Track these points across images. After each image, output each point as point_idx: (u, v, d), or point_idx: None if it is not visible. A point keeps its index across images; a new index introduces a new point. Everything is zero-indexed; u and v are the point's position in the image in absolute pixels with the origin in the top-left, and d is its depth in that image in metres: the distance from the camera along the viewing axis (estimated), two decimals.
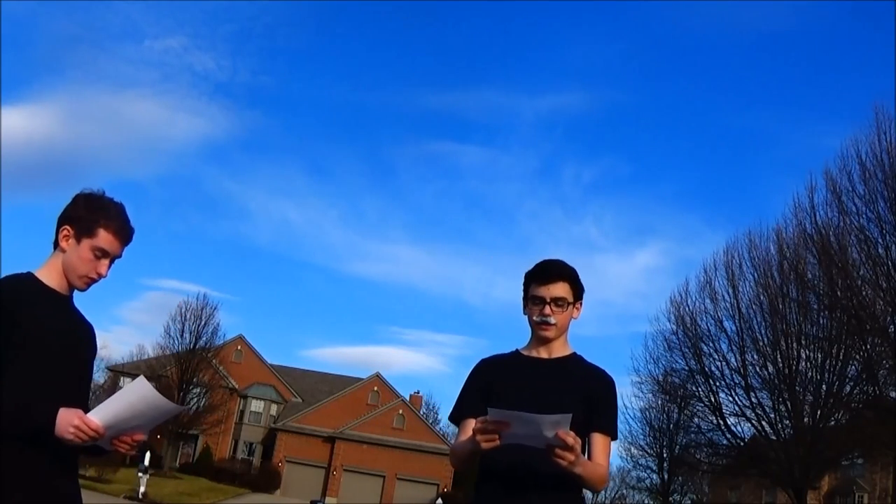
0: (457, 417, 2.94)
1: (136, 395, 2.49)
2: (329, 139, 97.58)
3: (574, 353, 2.97)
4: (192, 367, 50.62)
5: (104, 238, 2.67)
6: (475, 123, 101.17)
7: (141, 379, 2.51)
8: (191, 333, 51.58)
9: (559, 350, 2.94)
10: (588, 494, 2.84)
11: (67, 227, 2.68)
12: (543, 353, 2.92)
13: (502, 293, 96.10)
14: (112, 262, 2.74)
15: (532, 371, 2.81)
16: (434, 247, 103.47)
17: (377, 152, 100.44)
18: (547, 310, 2.86)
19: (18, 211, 79.96)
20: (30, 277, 2.66)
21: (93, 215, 2.67)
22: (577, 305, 2.95)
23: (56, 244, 2.72)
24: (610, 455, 2.88)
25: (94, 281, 2.72)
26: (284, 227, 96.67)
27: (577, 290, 2.94)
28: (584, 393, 2.79)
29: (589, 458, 2.78)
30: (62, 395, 2.51)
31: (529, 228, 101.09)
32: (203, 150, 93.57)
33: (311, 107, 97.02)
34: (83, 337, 2.75)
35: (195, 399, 50.73)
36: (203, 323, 52.16)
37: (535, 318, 2.90)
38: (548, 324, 2.86)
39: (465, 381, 3.00)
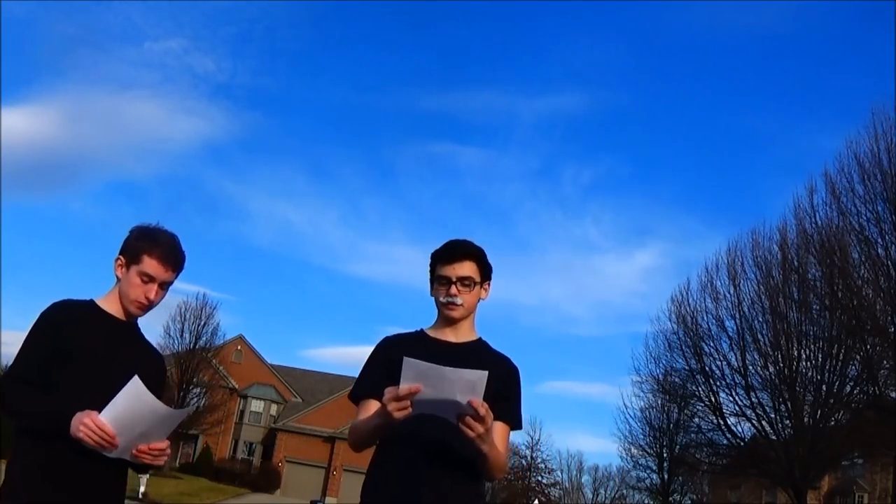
0: (358, 396, 2.85)
1: (133, 395, 2.53)
2: (329, 140, 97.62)
3: (480, 339, 2.94)
4: (192, 367, 50.58)
5: (149, 264, 2.81)
6: (474, 125, 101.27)
7: (135, 379, 2.54)
8: (191, 333, 51.61)
9: (465, 334, 2.90)
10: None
11: (120, 257, 2.86)
12: (450, 336, 2.87)
13: (501, 293, 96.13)
14: (163, 287, 2.86)
15: (438, 353, 2.68)
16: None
17: (377, 153, 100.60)
18: (453, 290, 2.82)
19: (19, 211, 79.95)
20: (86, 303, 2.85)
21: (139, 244, 2.83)
22: (486, 286, 2.91)
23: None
24: (508, 444, 2.83)
25: (145, 305, 2.86)
26: (284, 227, 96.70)
27: (485, 270, 2.89)
28: (491, 380, 2.66)
29: None
30: (95, 409, 2.57)
31: (529, 229, 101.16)
32: (203, 151, 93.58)
33: (310, 108, 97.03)
34: (137, 361, 2.84)
35: (195, 399, 50.71)
36: (203, 323, 52.20)
37: (441, 298, 2.85)
38: (454, 304, 2.82)
39: (367, 358, 2.92)
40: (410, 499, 2.64)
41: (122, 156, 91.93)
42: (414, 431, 2.60)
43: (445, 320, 2.88)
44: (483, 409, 2.39)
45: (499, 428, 2.71)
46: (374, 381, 2.76)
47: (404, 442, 2.66)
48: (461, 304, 2.83)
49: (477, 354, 2.84)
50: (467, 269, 2.84)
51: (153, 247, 2.82)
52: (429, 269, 2.93)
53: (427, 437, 2.63)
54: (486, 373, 2.38)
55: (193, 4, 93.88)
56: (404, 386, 2.38)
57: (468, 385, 2.37)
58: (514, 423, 2.82)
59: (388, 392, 2.42)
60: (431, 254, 2.92)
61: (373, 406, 2.71)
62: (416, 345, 2.81)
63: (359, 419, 2.78)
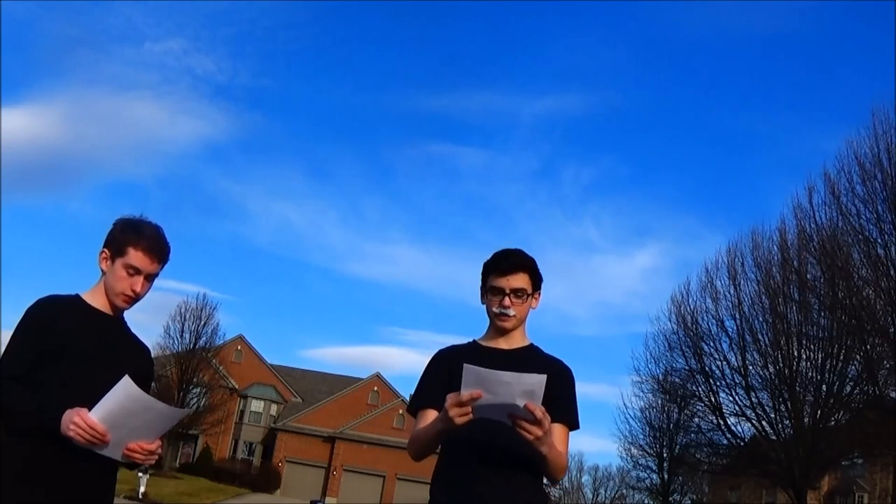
0: (415, 408, 2.90)
1: (124, 394, 2.52)
2: (329, 140, 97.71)
3: (532, 344, 2.97)
4: (192, 367, 50.56)
5: (134, 256, 2.79)
6: (474, 125, 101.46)
7: (125, 378, 2.53)
8: (190, 333, 51.56)
9: (518, 341, 2.93)
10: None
11: (105, 250, 2.84)
12: (502, 344, 2.91)
13: None
14: (149, 279, 2.85)
15: (491, 361, 2.73)
16: (434, 247, 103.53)
17: (376, 154, 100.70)
18: (506, 301, 2.85)
19: (19, 211, 79.97)
20: (72, 298, 2.83)
21: (124, 236, 2.81)
22: (536, 296, 2.95)
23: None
24: (569, 445, 2.87)
25: (132, 298, 2.84)
26: (284, 227, 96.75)
27: (536, 281, 2.93)
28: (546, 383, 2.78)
29: None
30: (85, 406, 2.56)
31: (529, 229, 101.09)
32: (203, 152, 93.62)
33: (310, 108, 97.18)
34: (125, 355, 2.84)
35: (195, 399, 50.68)
36: (203, 323, 52.16)
37: (494, 309, 2.89)
38: (507, 315, 2.86)
39: (423, 371, 2.97)
40: (474, 501, 2.69)
41: (123, 156, 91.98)
42: (473, 435, 2.64)
43: (497, 330, 2.92)
44: (539, 412, 2.42)
45: (557, 429, 2.74)
46: (431, 392, 2.84)
47: (464, 446, 2.71)
48: (514, 315, 2.87)
49: (529, 359, 2.88)
50: (520, 280, 2.87)
51: (138, 239, 2.79)
52: (480, 278, 2.97)
53: (486, 439, 2.68)
54: (545, 377, 2.42)
55: (193, 5, 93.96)
56: (466, 392, 2.42)
57: (528, 389, 2.41)
58: (572, 423, 2.86)
59: (451, 398, 2.46)
60: (484, 264, 2.95)
61: (431, 416, 2.77)
62: (470, 355, 2.85)
63: (418, 428, 2.82)
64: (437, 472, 2.84)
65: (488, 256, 2.95)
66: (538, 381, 2.41)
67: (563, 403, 2.81)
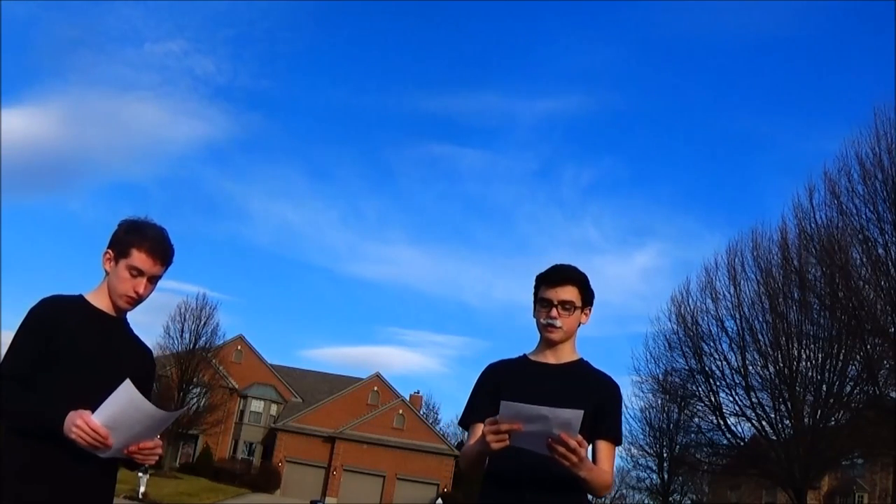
0: (466, 422, 2.96)
1: (125, 398, 2.52)
2: (328, 141, 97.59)
3: (581, 359, 2.98)
4: (192, 367, 50.59)
5: (138, 257, 2.79)
6: (474, 126, 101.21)
7: (127, 382, 2.53)
8: (190, 333, 51.60)
9: (567, 355, 2.95)
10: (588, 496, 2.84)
11: (109, 251, 2.84)
12: (551, 359, 2.93)
13: (501, 294, 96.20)
14: (152, 281, 2.85)
15: (540, 376, 2.81)
16: (433, 248, 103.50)
17: (376, 154, 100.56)
18: (554, 312, 2.88)
19: (19, 212, 79.98)
20: (75, 298, 2.83)
21: (128, 237, 2.82)
22: (586, 311, 2.97)
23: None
24: (614, 460, 2.91)
25: (134, 300, 2.84)
26: (284, 228, 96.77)
27: (587, 296, 2.95)
28: (591, 399, 2.79)
29: (594, 463, 2.78)
30: (87, 407, 2.56)
31: (528, 230, 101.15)
32: (203, 153, 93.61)
33: (310, 109, 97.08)
34: (127, 356, 2.85)
35: (195, 399, 50.70)
36: (203, 323, 52.21)
37: (542, 320, 2.92)
38: (554, 326, 2.88)
39: (473, 386, 3.01)
40: None
41: (123, 157, 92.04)
42: (515, 456, 2.66)
43: (546, 343, 2.95)
44: (573, 442, 2.46)
45: (602, 446, 2.79)
46: (481, 407, 2.88)
47: (507, 466, 2.74)
48: (560, 327, 2.89)
49: (578, 373, 2.91)
50: (569, 293, 2.90)
51: (142, 240, 2.80)
52: (533, 291, 3.00)
53: (528, 461, 2.69)
54: (582, 412, 2.46)
55: (193, 6, 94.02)
56: (504, 422, 2.47)
57: (564, 423, 2.45)
58: (616, 439, 2.89)
59: (489, 422, 2.52)
60: (536, 277, 2.99)
61: (480, 429, 2.80)
62: (518, 369, 2.92)
63: (466, 445, 2.87)
64: (481, 492, 2.88)
65: (540, 270, 2.98)
66: (575, 416, 2.44)
67: (609, 420, 2.85)
